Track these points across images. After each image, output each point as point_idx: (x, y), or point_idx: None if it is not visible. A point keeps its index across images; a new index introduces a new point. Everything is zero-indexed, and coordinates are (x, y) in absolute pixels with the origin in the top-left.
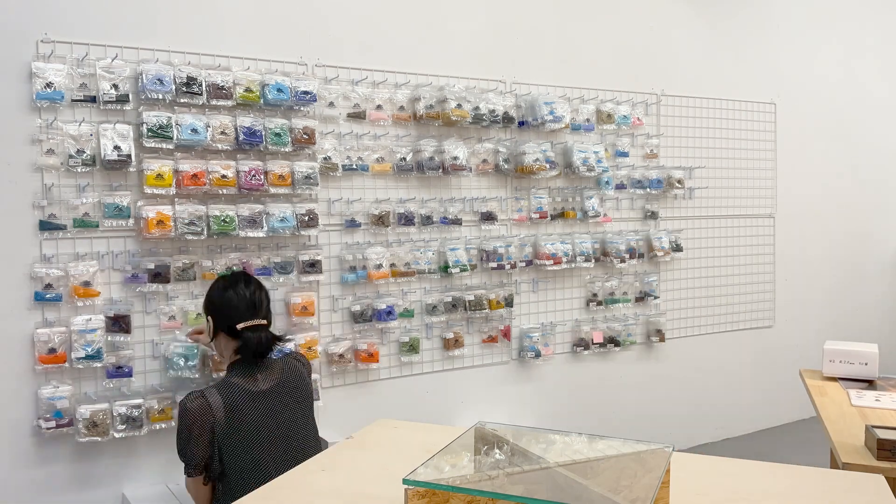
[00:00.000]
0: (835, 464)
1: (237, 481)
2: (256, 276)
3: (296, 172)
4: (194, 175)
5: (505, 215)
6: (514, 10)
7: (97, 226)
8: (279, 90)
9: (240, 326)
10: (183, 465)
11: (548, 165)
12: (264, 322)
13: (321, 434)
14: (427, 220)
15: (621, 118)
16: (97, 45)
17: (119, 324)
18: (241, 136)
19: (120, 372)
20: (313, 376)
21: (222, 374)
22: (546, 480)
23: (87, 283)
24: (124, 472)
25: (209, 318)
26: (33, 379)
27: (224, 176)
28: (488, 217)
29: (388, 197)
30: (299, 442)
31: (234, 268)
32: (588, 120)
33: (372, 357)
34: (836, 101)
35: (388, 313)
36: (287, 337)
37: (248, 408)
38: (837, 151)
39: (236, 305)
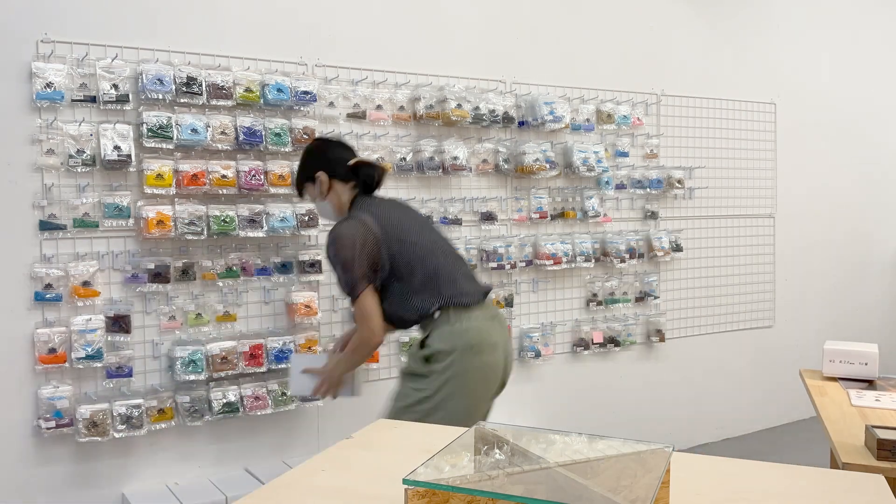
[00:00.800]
0: (835, 464)
1: (421, 272)
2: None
3: (296, 172)
4: (194, 175)
5: (505, 215)
6: (514, 10)
7: (97, 226)
8: (279, 90)
9: (352, 162)
10: (348, 294)
11: (548, 165)
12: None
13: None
14: None
15: (621, 118)
16: (97, 45)
17: (119, 324)
18: (241, 136)
19: (120, 372)
20: None
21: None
22: (546, 480)
23: (87, 283)
24: (124, 472)
25: (317, 176)
26: (33, 379)
27: (224, 176)
28: (488, 217)
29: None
30: (449, 243)
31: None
32: (588, 120)
33: (372, 357)
34: (836, 101)
35: None
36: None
37: (396, 212)
38: (837, 151)
39: (341, 151)
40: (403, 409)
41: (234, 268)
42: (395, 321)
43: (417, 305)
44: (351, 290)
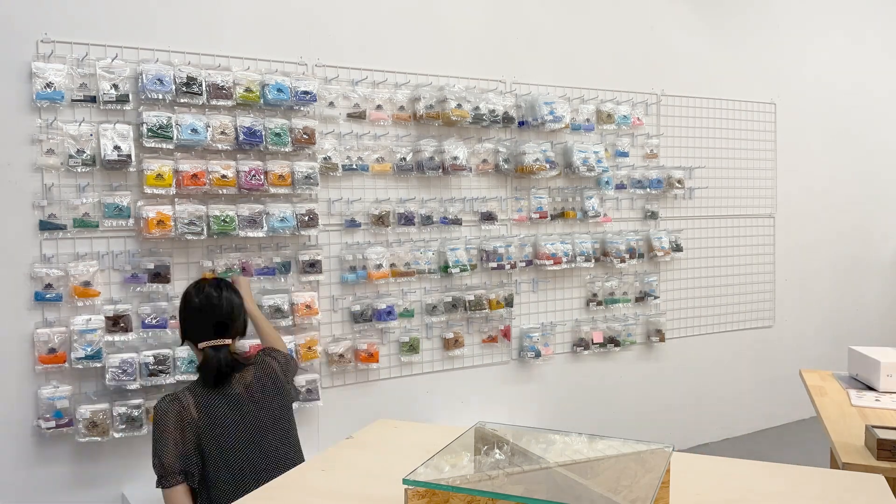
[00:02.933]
0: (835, 464)
1: (217, 490)
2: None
3: (296, 172)
4: (194, 175)
5: (505, 215)
6: (515, 10)
7: (97, 226)
8: (279, 90)
9: (201, 346)
10: (157, 478)
11: (548, 165)
12: (227, 342)
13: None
14: (427, 220)
15: (621, 118)
16: (97, 45)
17: (119, 324)
18: (241, 136)
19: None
20: (312, 376)
21: None
22: (546, 480)
23: (87, 283)
24: (124, 472)
25: (181, 329)
26: (33, 379)
27: (224, 176)
28: (488, 217)
29: (388, 197)
30: (273, 444)
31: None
32: (588, 120)
33: (372, 357)
34: (835, 100)
35: (388, 313)
36: (248, 361)
37: (222, 410)
38: (837, 151)
39: (197, 319)
40: None
41: (235, 268)
42: None
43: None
44: (161, 477)
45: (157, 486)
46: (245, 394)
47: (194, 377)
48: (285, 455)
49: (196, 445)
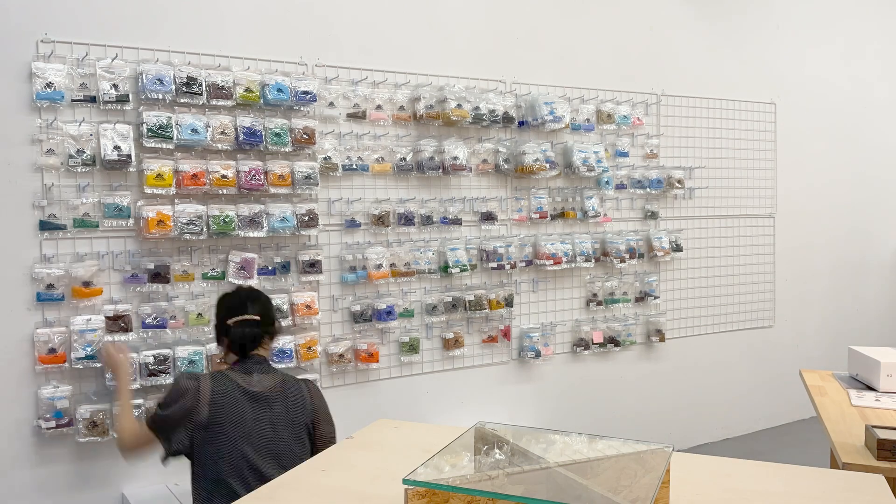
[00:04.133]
0: (835, 464)
1: (212, 465)
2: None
3: (296, 172)
4: (194, 175)
5: (505, 215)
6: (514, 10)
7: (97, 226)
8: (279, 90)
9: (230, 322)
10: (154, 412)
11: (548, 165)
12: (256, 318)
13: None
14: (427, 220)
15: (621, 118)
16: (97, 45)
17: (119, 324)
18: (241, 136)
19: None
20: (312, 376)
21: None
22: (546, 480)
23: (87, 283)
24: (124, 472)
25: (216, 329)
26: (33, 379)
27: (224, 176)
28: (488, 217)
29: (388, 197)
30: (273, 452)
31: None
32: (588, 120)
33: (372, 357)
34: (835, 101)
35: (388, 313)
36: (281, 330)
37: (236, 400)
38: (837, 151)
39: (228, 306)
40: None
41: (232, 267)
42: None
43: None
44: (155, 412)
45: (146, 420)
46: (267, 395)
47: None
48: (286, 454)
49: (191, 433)
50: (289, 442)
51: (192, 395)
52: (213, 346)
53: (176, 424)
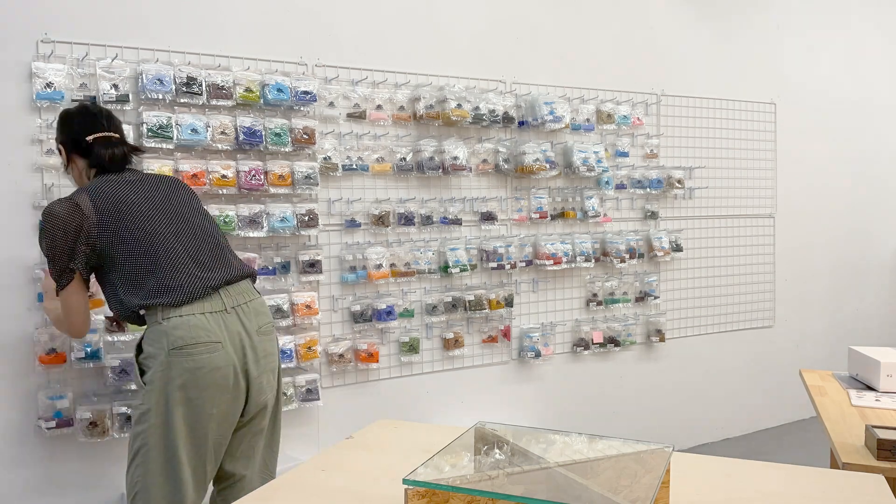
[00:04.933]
0: (835, 464)
1: (132, 262)
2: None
3: (296, 172)
4: (194, 175)
5: (505, 215)
6: (514, 9)
7: None
8: (279, 90)
9: (89, 139)
10: (55, 285)
11: (548, 165)
12: (116, 135)
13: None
14: (427, 220)
15: (621, 118)
16: (97, 45)
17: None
18: (241, 136)
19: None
20: (312, 376)
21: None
22: (546, 480)
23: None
24: (124, 472)
25: (59, 147)
26: (33, 379)
27: (224, 176)
28: (488, 217)
29: (388, 197)
30: (200, 222)
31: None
32: (588, 120)
33: (372, 357)
34: (836, 101)
35: (388, 313)
36: (143, 147)
37: (122, 191)
38: (837, 151)
39: (80, 121)
40: (131, 437)
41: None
42: (115, 316)
43: (121, 301)
44: (57, 280)
45: (56, 293)
46: (148, 179)
47: None
48: (221, 239)
49: (95, 244)
50: (197, 213)
51: (75, 212)
52: None
53: (73, 250)
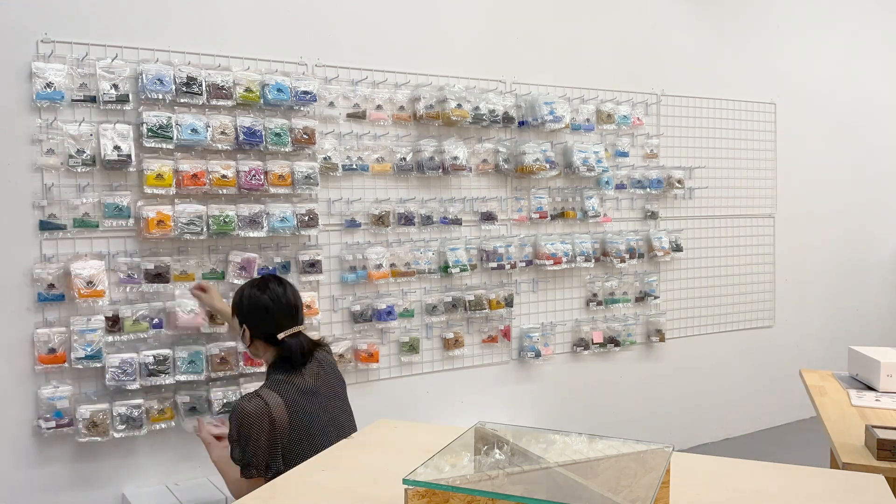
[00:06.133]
0: (835, 464)
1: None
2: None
3: (296, 172)
4: (194, 175)
5: (505, 215)
6: (514, 10)
7: (97, 226)
8: (279, 90)
9: (281, 336)
10: (238, 467)
11: (548, 165)
12: (303, 327)
13: None
14: (427, 220)
15: (621, 118)
16: (97, 45)
17: (119, 324)
18: (241, 136)
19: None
20: None
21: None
22: (546, 480)
23: (90, 283)
24: (124, 472)
25: (243, 325)
26: (33, 379)
27: (224, 176)
28: (488, 217)
29: (388, 197)
30: (346, 429)
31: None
32: (588, 120)
33: (372, 357)
34: (836, 101)
35: (388, 313)
36: (324, 341)
37: (303, 403)
38: (837, 151)
39: (273, 313)
40: None
41: (231, 266)
42: None
43: None
44: (243, 471)
45: (240, 475)
46: (320, 385)
47: (194, 377)
48: (349, 424)
49: (282, 445)
50: (345, 413)
51: (264, 412)
52: (212, 347)
53: (267, 453)
